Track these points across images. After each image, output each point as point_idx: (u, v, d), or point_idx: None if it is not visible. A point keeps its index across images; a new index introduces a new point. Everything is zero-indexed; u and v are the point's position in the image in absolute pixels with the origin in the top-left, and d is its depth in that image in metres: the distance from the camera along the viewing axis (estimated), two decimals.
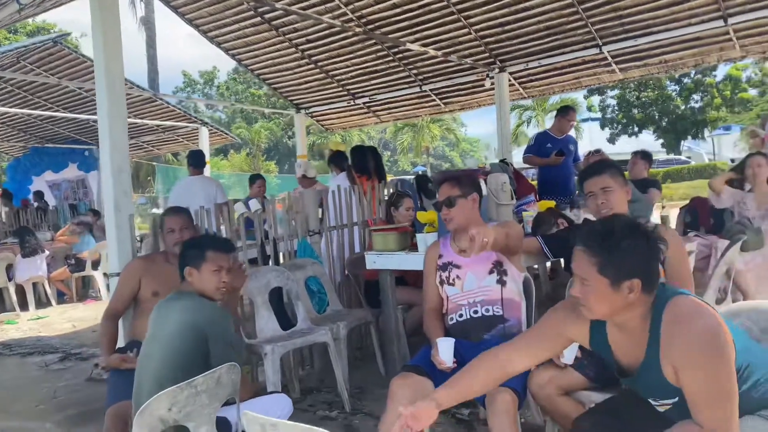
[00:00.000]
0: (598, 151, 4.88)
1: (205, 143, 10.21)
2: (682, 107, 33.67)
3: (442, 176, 2.96)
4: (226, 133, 11.48)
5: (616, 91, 34.34)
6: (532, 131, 30.23)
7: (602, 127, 36.19)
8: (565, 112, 6.19)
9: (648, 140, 33.47)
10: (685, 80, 33.18)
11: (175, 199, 5.68)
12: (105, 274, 8.38)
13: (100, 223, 10.15)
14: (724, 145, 32.28)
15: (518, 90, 7.38)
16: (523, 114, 29.20)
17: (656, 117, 34.45)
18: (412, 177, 6.02)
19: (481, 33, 6.64)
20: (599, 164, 2.74)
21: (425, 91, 7.68)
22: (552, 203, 4.07)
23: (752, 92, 32.16)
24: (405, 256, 3.61)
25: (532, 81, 7.29)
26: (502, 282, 2.70)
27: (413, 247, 3.73)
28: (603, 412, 2.06)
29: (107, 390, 3.02)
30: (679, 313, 1.65)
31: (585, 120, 34.94)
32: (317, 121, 8.94)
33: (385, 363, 4.03)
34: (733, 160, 27.48)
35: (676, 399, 1.70)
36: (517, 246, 2.77)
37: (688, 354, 1.59)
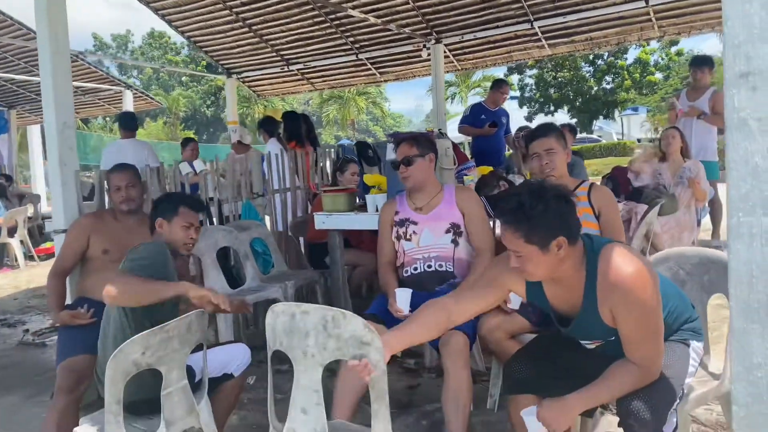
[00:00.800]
0: (526, 128, 5.16)
1: (129, 108, 9.79)
2: (595, 88, 35.28)
3: (400, 136, 3.06)
4: (151, 98, 11.06)
5: (534, 71, 35.48)
6: (455, 107, 30.80)
7: (520, 105, 37.38)
8: (499, 85, 6.44)
9: (563, 119, 34.91)
10: (599, 62, 34.73)
11: (107, 163, 5.50)
12: (21, 241, 8.01)
13: (12, 190, 9.63)
14: (633, 125, 34.18)
15: (452, 62, 7.57)
16: (448, 90, 29.66)
17: (571, 97, 35.94)
18: (352, 143, 6.10)
19: (419, 3, 6.75)
20: (545, 127, 2.94)
21: (361, 59, 7.71)
22: (490, 168, 4.30)
23: (658, 76, 34.14)
24: (354, 217, 3.73)
25: (465, 53, 7.49)
26: (455, 242, 2.84)
27: (361, 209, 3.86)
28: (531, 352, 2.19)
29: (57, 347, 2.99)
30: (612, 260, 1.79)
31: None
32: (249, 86, 8.80)
33: None
34: (639, 140, 29.18)
35: (613, 337, 1.87)
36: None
37: (623, 298, 1.74)
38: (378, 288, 3.19)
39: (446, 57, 7.35)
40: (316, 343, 1.79)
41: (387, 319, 2.66)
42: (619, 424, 1.89)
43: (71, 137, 3.28)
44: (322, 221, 3.82)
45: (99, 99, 10.59)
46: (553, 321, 2.44)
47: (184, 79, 44.76)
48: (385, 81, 8.33)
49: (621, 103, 34.06)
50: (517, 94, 37.04)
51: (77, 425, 2.71)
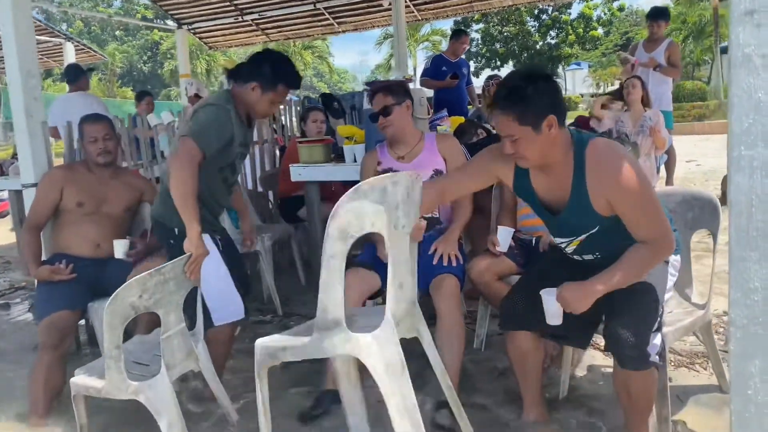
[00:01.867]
0: (495, 77, 5.19)
1: (70, 61, 9.26)
2: (540, 43, 35.59)
3: (375, 86, 3.04)
4: (94, 51, 10.51)
5: (481, 26, 35.44)
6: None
7: (467, 60, 37.39)
8: (459, 35, 6.44)
9: None
10: (544, 17, 34.96)
11: (55, 117, 5.26)
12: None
13: None
14: (577, 80, 34.81)
15: (413, 12, 7.48)
16: None
17: (517, 52, 36.17)
18: (317, 96, 6.00)
19: None
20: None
21: (319, 9, 7.49)
22: (462, 119, 4.33)
23: (600, 31, 34.70)
24: (333, 168, 3.71)
25: (426, 3, 7.41)
26: None
27: (338, 160, 3.83)
28: (526, 287, 2.25)
29: (36, 304, 2.92)
30: (602, 150, 1.89)
31: None
32: (200, 38, 8.47)
33: (308, 274, 4.17)
34: (582, 95, 29.78)
35: (596, 228, 1.95)
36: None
37: (621, 183, 1.82)
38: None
39: (407, 7, 7.25)
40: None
41: (377, 266, 2.69)
42: (606, 349, 2.01)
43: (36, 87, 3.13)
44: (298, 173, 3.79)
45: (37, 51, 10.00)
46: (541, 213, 2.47)
47: (118, 33, 42.67)
48: (344, 31, 8.16)
49: (565, 58, 34.55)
50: (407, 56, 36.92)
51: (64, 382, 2.69)
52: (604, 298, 2.00)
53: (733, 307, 1.69)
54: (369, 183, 1.76)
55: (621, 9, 34.04)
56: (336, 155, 3.93)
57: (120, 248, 2.96)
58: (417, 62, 28.11)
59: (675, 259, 2.09)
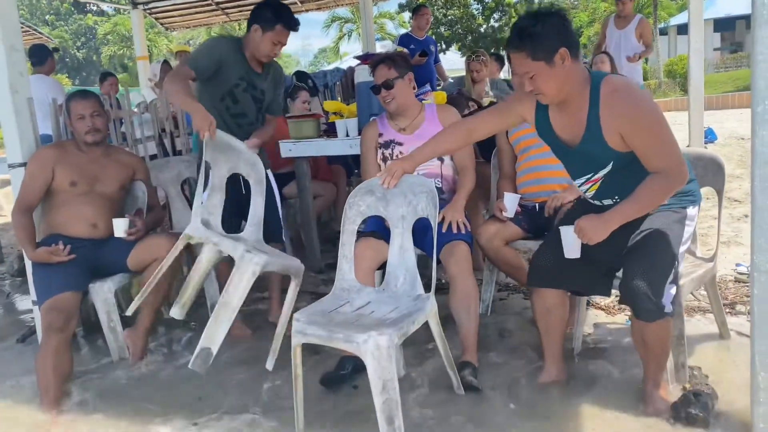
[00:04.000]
0: (478, 55, 5.26)
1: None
2: (484, 26, 35.95)
3: (376, 59, 3.03)
4: (40, 33, 9.99)
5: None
6: (352, 45, 30.38)
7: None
8: (419, 9, 6.53)
9: (454, 57, 35.47)
10: (487, 0, 35.32)
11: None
12: None
13: None
14: None
15: None
16: (344, 26, 29.11)
17: (461, 35, 36.44)
18: (291, 74, 5.93)
19: None
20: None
21: None
22: (444, 93, 4.38)
23: None
24: (324, 143, 3.70)
25: None
26: (441, 159, 2.90)
27: (328, 135, 3.82)
28: (555, 247, 2.27)
29: (35, 287, 2.83)
30: (617, 83, 1.97)
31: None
32: (156, 18, 8.18)
33: (297, 249, 4.16)
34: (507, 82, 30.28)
35: (611, 165, 2.03)
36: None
37: (635, 116, 1.91)
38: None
39: None
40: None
41: (386, 235, 2.72)
42: (621, 301, 2.10)
43: (21, 62, 2.99)
44: (288, 149, 3.76)
45: None
46: (541, 225, 2.65)
47: (48, 18, 40.73)
48: (307, 10, 8.05)
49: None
50: (409, 31, 36.96)
51: (71, 367, 2.63)
52: (622, 247, 2.10)
53: (757, 254, 1.82)
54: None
55: None
56: (324, 130, 3.92)
57: (120, 227, 2.89)
58: (364, 44, 27.94)
59: (693, 212, 2.16)
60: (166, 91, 2.88)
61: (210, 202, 2.74)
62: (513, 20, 34.05)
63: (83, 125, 2.94)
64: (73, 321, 2.70)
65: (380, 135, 2.98)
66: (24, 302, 3.98)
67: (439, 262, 2.72)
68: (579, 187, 2.23)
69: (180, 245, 2.52)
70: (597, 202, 2.19)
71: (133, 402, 2.51)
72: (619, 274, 2.13)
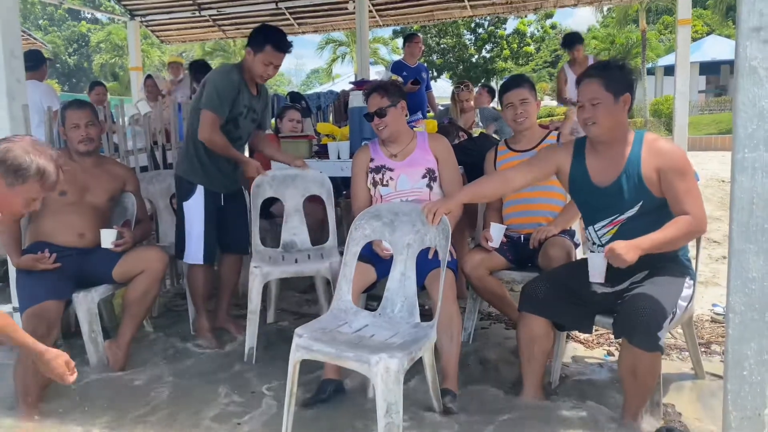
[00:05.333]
0: (467, 85, 5.36)
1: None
2: (476, 56, 36.49)
3: (370, 88, 3.07)
4: (34, 38, 9.99)
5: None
6: (345, 68, 30.59)
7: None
8: (411, 38, 6.63)
9: (445, 85, 35.85)
10: (480, 31, 35.89)
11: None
12: None
13: None
14: None
15: (375, 18, 7.56)
16: (338, 49, 29.38)
17: (453, 63, 36.92)
18: (286, 94, 5.99)
19: None
20: (519, 78, 3.12)
21: (280, 8, 7.41)
22: (434, 121, 4.46)
23: (533, 47, 35.97)
24: (316, 164, 3.72)
25: (389, 9, 7.51)
26: (430, 186, 2.94)
27: (320, 156, 3.87)
28: (551, 279, 2.45)
29: (18, 293, 2.81)
30: (659, 137, 2.29)
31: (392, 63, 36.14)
32: (153, 31, 8.23)
33: None
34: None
35: (637, 208, 2.22)
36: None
37: (675, 162, 2.16)
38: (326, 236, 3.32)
39: (369, 12, 7.31)
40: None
41: (375, 260, 2.76)
42: (617, 330, 2.15)
43: (19, 68, 3.00)
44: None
45: None
46: (525, 257, 2.72)
47: (42, 22, 40.67)
48: (303, 33, 8.15)
49: (499, 71, 35.54)
50: (401, 57, 37.34)
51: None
52: (615, 291, 2.20)
53: (732, 295, 1.88)
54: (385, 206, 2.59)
55: (553, 27, 35.39)
56: (316, 152, 3.97)
57: (107, 238, 2.89)
58: (357, 68, 28.24)
59: (690, 283, 2.28)
60: (215, 144, 3.04)
61: (291, 224, 3.35)
62: (505, 52, 34.81)
63: (77, 134, 2.96)
64: (55, 330, 2.68)
65: (372, 160, 3.03)
66: (3, 308, 3.92)
67: (423, 288, 2.77)
68: (597, 231, 2.34)
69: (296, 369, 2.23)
70: (603, 219, 2.32)
71: (110, 410, 2.50)
72: (600, 317, 2.30)
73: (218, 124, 3.03)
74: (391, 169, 2.98)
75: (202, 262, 3.18)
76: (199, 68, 5.59)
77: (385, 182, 2.97)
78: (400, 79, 5.09)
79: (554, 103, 29.63)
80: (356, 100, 3.74)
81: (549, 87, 38.30)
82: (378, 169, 3.00)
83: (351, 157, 3.65)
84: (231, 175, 3.27)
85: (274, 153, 3.45)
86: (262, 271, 2.98)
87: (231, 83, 3.03)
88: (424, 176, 2.96)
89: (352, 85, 4.77)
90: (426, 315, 2.82)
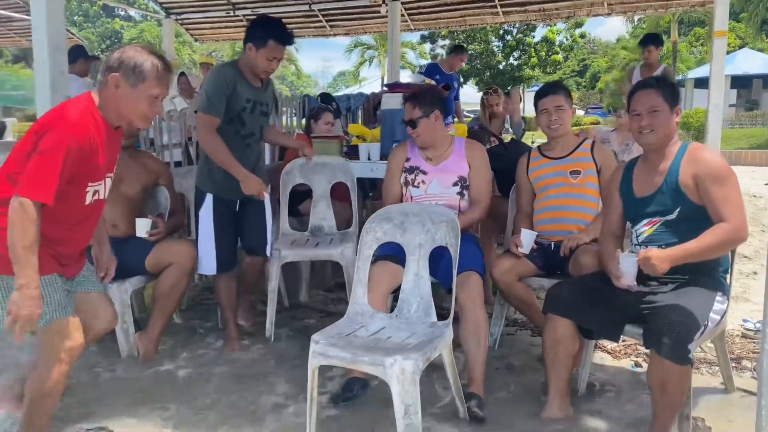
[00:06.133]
0: (496, 90, 5.34)
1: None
2: (504, 63, 36.36)
3: (406, 96, 3.09)
4: (72, 33, 10.20)
5: (447, 41, 35.94)
6: (373, 71, 30.70)
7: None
8: (460, 51, 6.60)
9: (470, 92, 35.79)
10: (508, 38, 35.75)
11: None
12: None
13: None
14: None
15: (407, 21, 7.57)
16: (366, 53, 29.51)
17: (480, 69, 36.82)
18: (317, 95, 6.04)
19: None
20: (555, 85, 3.11)
21: (313, 10, 7.47)
22: (464, 126, 4.46)
23: (561, 56, 35.74)
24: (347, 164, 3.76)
25: (421, 14, 7.52)
26: (461, 194, 2.96)
27: (350, 157, 3.89)
28: (578, 282, 2.48)
29: None
30: (702, 147, 2.37)
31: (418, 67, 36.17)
32: (187, 29, 8.35)
33: (312, 267, 4.19)
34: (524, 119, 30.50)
35: (676, 213, 2.26)
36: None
37: (711, 169, 2.20)
38: None
39: (401, 16, 7.34)
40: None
41: (403, 259, 2.76)
42: (647, 342, 2.13)
43: (63, 62, 3.08)
44: None
45: (10, 30, 9.63)
46: (553, 264, 2.71)
47: (77, 19, 41.47)
48: (335, 35, 8.20)
49: (526, 79, 35.38)
50: (399, 64, 37.25)
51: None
52: (643, 300, 2.18)
53: None
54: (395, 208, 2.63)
55: (582, 36, 35.18)
56: (346, 152, 3.99)
57: (142, 227, 2.95)
58: (385, 72, 28.32)
59: (722, 299, 2.27)
60: (209, 147, 2.96)
61: (318, 209, 3.55)
62: (532, 60, 34.64)
63: None
64: None
65: (408, 159, 3.04)
66: None
67: (450, 291, 2.77)
68: (636, 230, 2.38)
69: (315, 374, 2.22)
70: (642, 248, 2.30)
71: (137, 399, 2.54)
72: (629, 326, 2.28)
73: (214, 125, 2.91)
74: (424, 172, 2.99)
75: (215, 273, 3.10)
76: None
77: (416, 184, 2.99)
78: (432, 82, 5.09)
79: (581, 112, 29.51)
80: (389, 102, 3.77)
81: (576, 96, 38.20)
82: (412, 170, 3.01)
83: (381, 158, 3.70)
84: (251, 172, 3.09)
85: (279, 138, 3.52)
86: (279, 254, 3.23)
87: (222, 80, 2.91)
88: (455, 183, 2.97)
89: (384, 88, 4.79)
90: (444, 315, 2.83)
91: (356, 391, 2.55)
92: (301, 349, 3.04)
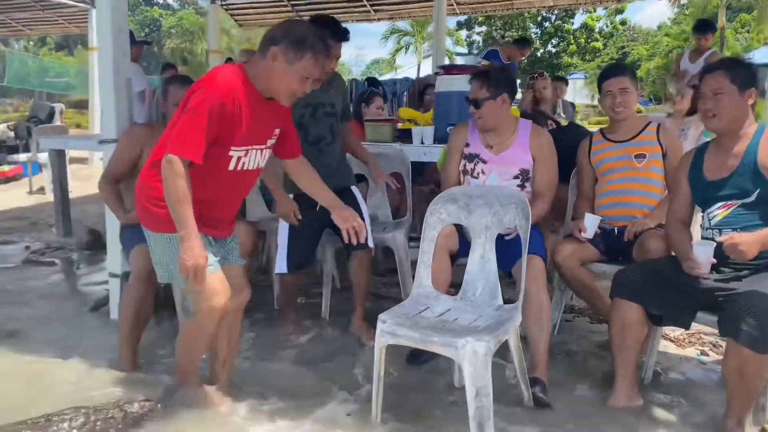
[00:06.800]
0: (542, 74, 5.25)
1: (95, 28, 9.09)
2: (541, 50, 35.80)
3: (475, 72, 2.95)
4: None
5: (483, 28, 35.53)
6: (409, 58, 30.55)
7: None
8: (524, 45, 6.55)
9: None
10: (546, 25, 35.17)
11: None
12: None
13: None
14: (577, 89, 34.99)
15: (452, 5, 7.48)
16: (402, 39, 29.33)
17: None
18: (363, 79, 6.02)
19: None
20: (619, 66, 3.02)
21: None
22: (516, 109, 4.38)
23: (601, 43, 35.01)
24: (398, 147, 3.73)
25: None
26: (522, 186, 2.85)
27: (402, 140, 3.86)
28: (645, 266, 2.41)
29: (124, 242, 2.95)
30: None
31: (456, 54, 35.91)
32: (231, 14, 8.40)
33: None
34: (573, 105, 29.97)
35: (754, 196, 2.18)
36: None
37: None
38: None
39: (447, 0, 7.25)
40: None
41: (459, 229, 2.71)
42: (723, 330, 2.07)
43: (125, 42, 3.11)
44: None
45: (59, 16, 9.83)
46: (616, 249, 2.64)
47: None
48: (378, 19, 8.16)
49: (565, 67, 34.77)
50: (465, 50, 37.03)
51: (150, 315, 2.77)
52: (715, 286, 2.11)
53: None
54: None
55: (623, 23, 34.38)
56: (397, 136, 3.96)
57: None
58: (421, 58, 28.14)
59: None
60: (266, 179, 2.93)
61: (374, 199, 3.56)
62: (571, 47, 34.01)
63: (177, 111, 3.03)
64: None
65: (467, 145, 2.92)
66: (92, 275, 4.11)
67: (510, 275, 2.73)
68: (708, 213, 2.31)
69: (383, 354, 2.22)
70: (715, 232, 2.26)
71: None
72: (702, 313, 2.22)
73: None
74: (484, 161, 2.86)
75: (285, 271, 3.05)
76: None
77: (475, 174, 2.88)
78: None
79: None
80: (443, 84, 3.72)
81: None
82: (471, 158, 2.90)
83: (435, 142, 3.65)
84: (330, 178, 2.76)
85: (356, 150, 3.36)
86: (329, 240, 3.24)
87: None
88: (516, 176, 2.85)
89: (438, 70, 4.73)
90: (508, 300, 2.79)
91: (427, 356, 2.60)
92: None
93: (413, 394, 2.46)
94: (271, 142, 2.21)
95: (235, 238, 2.35)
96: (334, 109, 3.05)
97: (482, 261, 2.46)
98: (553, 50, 35.67)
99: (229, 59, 6.82)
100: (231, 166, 2.08)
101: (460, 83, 3.60)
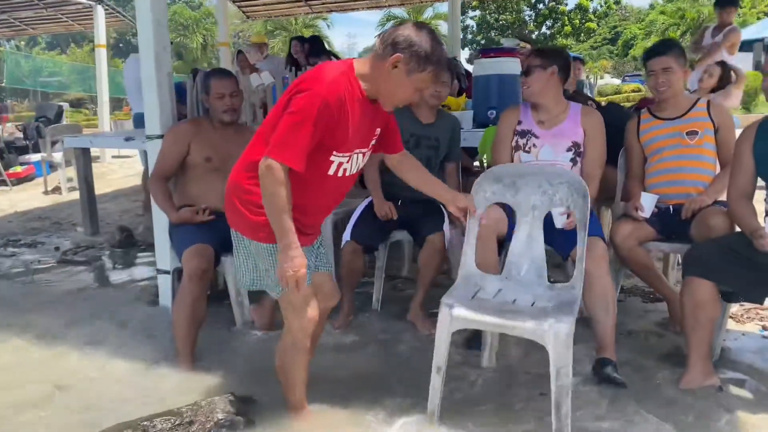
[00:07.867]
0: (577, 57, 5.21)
1: (100, 25, 9.04)
2: (536, 33, 35.66)
3: (534, 47, 3.01)
4: (123, 16, 10.25)
5: (477, 13, 35.36)
6: None
7: (462, 47, 37.28)
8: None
9: None
10: (540, 6, 35.01)
11: (129, 77, 5.22)
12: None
13: None
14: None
15: None
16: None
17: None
18: None
19: None
20: (663, 44, 2.97)
21: None
22: None
23: (595, 23, 34.91)
24: None
25: None
26: (575, 161, 2.84)
27: None
28: (717, 243, 2.39)
29: (176, 242, 2.93)
30: None
31: None
32: (239, 6, 8.31)
33: None
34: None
35: None
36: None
37: None
38: None
39: None
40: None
41: (507, 210, 2.70)
42: None
43: (165, 37, 3.07)
44: None
45: (63, 14, 9.73)
46: (674, 227, 2.62)
47: (110, 2, 41.87)
48: (389, 6, 8.11)
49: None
50: (460, 35, 36.87)
51: (205, 316, 2.70)
52: None
53: None
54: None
55: (617, 2, 34.27)
56: None
57: None
58: (449, 42, 27.93)
59: None
60: (366, 179, 3.08)
61: None
62: (566, 28, 33.89)
63: (222, 104, 2.97)
64: (210, 271, 2.77)
65: (519, 122, 2.92)
66: (122, 273, 4.11)
67: (566, 259, 2.72)
68: None
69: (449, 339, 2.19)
70: None
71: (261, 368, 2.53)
72: None
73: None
74: (536, 136, 2.87)
75: (349, 239, 3.05)
76: (315, 44, 5.57)
77: (527, 149, 2.88)
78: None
79: (615, 81, 28.78)
80: (480, 68, 3.69)
81: (609, 65, 37.27)
82: (523, 134, 2.90)
83: (474, 126, 3.64)
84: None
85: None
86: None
87: None
88: (569, 149, 2.84)
89: (475, 54, 4.69)
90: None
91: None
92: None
93: (472, 380, 2.45)
94: (372, 143, 2.09)
95: (322, 242, 2.25)
96: (438, 143, 3.14)
97: (528, 239, 2.43)
98: (548, 32, 35.53)
99: (240, 51, 6.75)
100: (332, 171, 1.96)
101: (499, 65, 3.58)
